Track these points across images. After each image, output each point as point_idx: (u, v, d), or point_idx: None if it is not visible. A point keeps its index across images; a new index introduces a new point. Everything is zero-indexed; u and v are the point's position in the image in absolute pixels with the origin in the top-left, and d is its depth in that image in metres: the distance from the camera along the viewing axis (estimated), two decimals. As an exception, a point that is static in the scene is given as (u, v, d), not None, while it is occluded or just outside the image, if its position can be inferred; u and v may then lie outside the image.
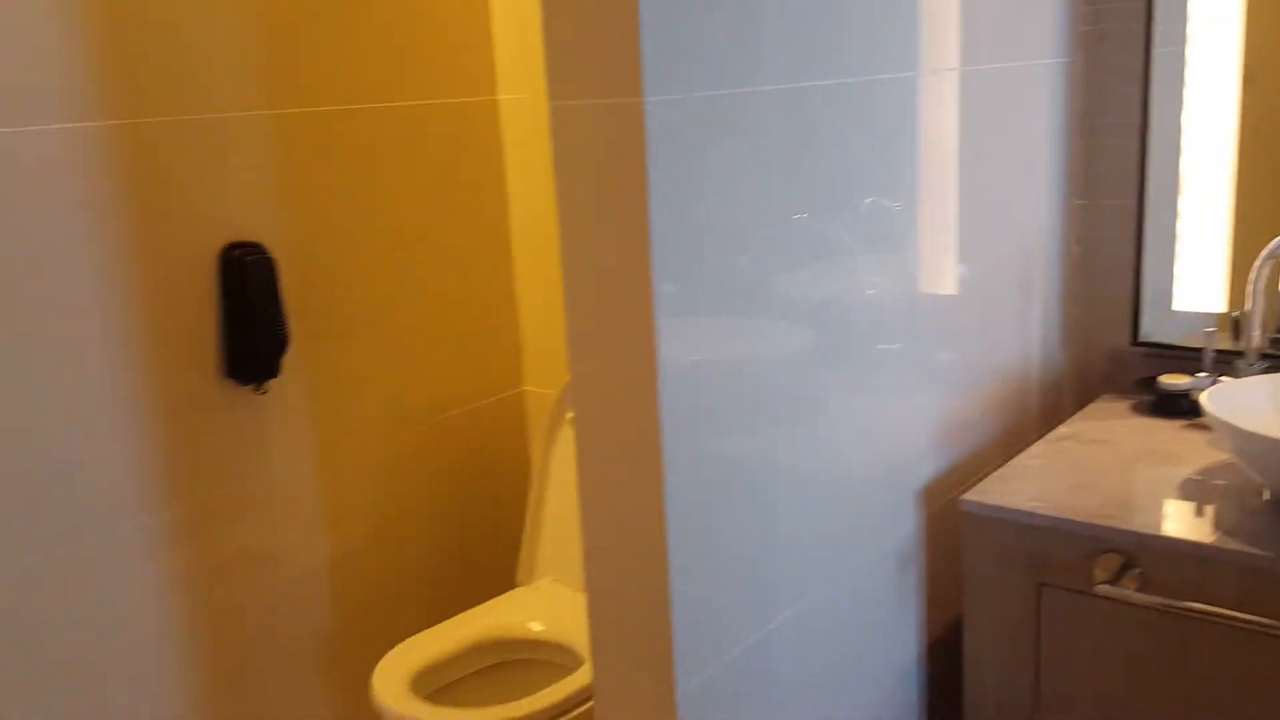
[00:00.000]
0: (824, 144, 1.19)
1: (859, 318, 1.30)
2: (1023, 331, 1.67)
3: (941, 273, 1.49)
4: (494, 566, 2.10)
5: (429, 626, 1.80)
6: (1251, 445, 1.25)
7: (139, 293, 1.55)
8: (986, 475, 1.44)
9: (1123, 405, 1.68)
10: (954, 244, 1.48)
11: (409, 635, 1.78)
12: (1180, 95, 1.63)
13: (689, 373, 1.04)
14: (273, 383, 1.71)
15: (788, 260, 1.17)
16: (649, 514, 1.05)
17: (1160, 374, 1.64)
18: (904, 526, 1.43)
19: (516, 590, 1.92)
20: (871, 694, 1.41)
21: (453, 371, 2.04)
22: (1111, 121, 1.69)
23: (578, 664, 1.68)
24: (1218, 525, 1.25)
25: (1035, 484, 1.40)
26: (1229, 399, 1.34)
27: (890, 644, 1.43)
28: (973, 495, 1.38)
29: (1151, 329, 1.71)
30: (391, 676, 1.64)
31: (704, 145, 1.04)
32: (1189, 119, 1.64)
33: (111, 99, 1.49)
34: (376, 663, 1.69)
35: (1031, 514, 1.32)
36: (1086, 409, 1.68)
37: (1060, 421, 1.64)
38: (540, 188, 2.05)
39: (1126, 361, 1.73)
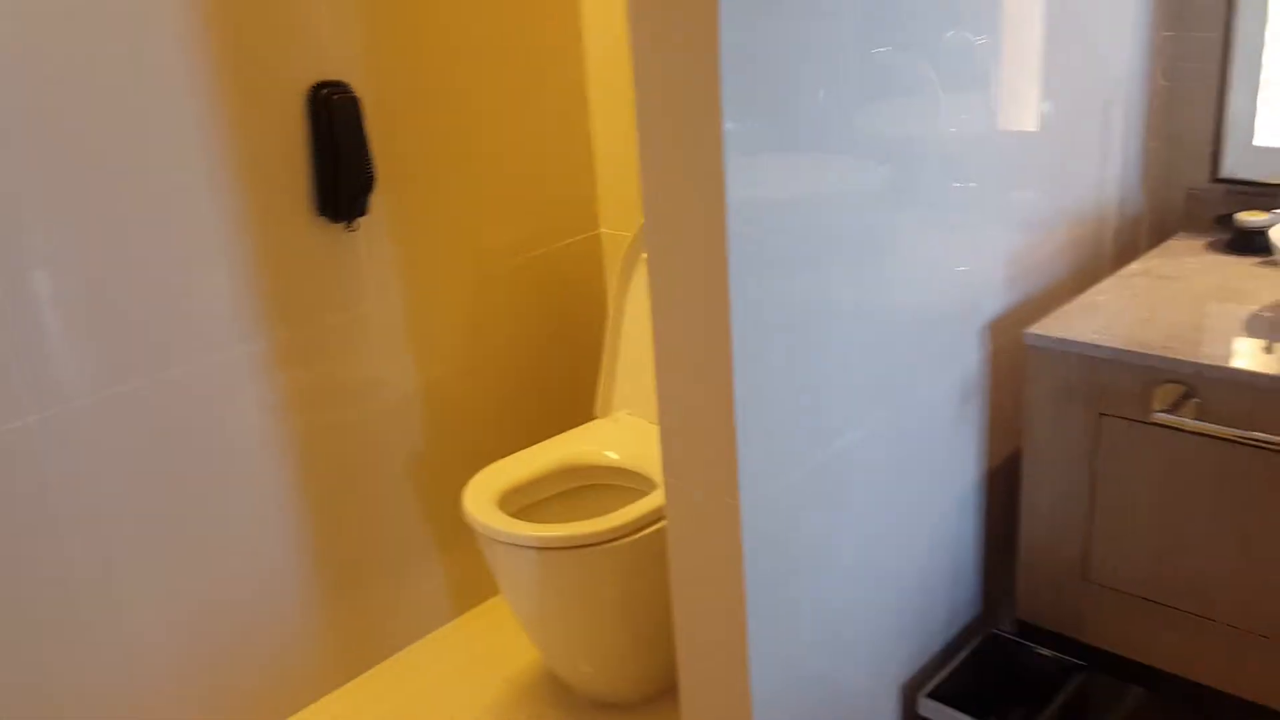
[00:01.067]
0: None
1: (935, 155, 1.31)
2: (1102, 169, 1.66)
3: (1022, 110, 1.48)
4: (572, 400, 2.21)
5: (512, 453, 1.91)
6: (1322, 278, 1.25)
7: (234, 130, 1.62)
8: (1054, 311, 1.47)
9: (1199, 243, 1.68)
10: (1036, 80, 1.46)
11: (493, 459, 1.90)
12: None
13: (759, 208, 1.08)
14: (362, 221, 1.79)
15: (866, 96, 1.18)
16: (716, 344, 1.11)
17: (1239, 211, 1.63)
18: (969, 359, 1.47)
19: (594, 422, 2.02)
20: (931, 519, 1.48)
21: (533, 214, 2.10)
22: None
23: (651, 489, 1.78)
24: (1278, 357, 1.27)
25: (1100, 318, 1.43)
26: (1304, 233, 1.33)
27: (951, 472, 1.50)
28: (1036, 329, 1.41)
29: (1233, 166, 1.68)
30: (480, 495, 1.76)
31: (778, -27, 1.05)
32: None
33: (199, -60, 1.53)
34: (463, 482, 1.82)
35: (1094, 345, 1.36)
36: (1161, 246, 1.68)
37: (1130, 259, 1.65)
38: (615, 36, 2.05)
39: (1205, 199, 1.72)
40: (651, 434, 1.93)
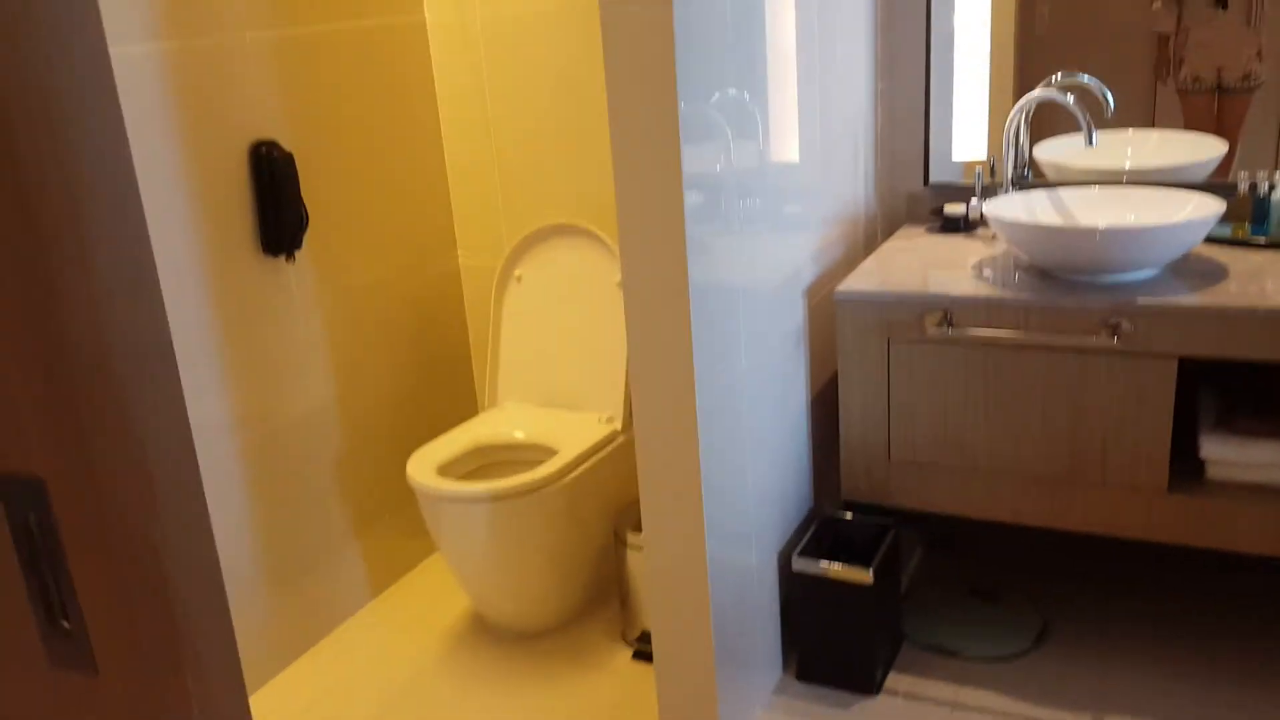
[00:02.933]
0: (704, 49, 1.75)
1: (729, 182, 1.87)
2: (852, 182, 2.33)
3: (786, 145, 2.09)
4: (454, 396, 2.62)
5: (411, 450, 2.29)
6: (1015, 231, 1.95)
7: (194, 181, 1.93)
8: (843, 277, 2.10)
9: (921, 229, 2.39)
10: (795, 123, 2.07)
11: (397, 455, 2.28)
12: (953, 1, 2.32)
13: (695, 228, 1.61)
14: (298, 254, 2.14)
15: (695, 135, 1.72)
16: (678, 311, 1.63)
17: (946, 205, 2.36)
18: (797, 314, 2.07)
19: (491, 410, 2.44)
20: (784, 430, 2.06)
21: (410, 245, 2.50)
22: (905, 20, 2.36)
23: (549, 458, 2.23)
24: (1000, 285, 1.95)
25: (877, 277, 2.07)
26: (999, 207, 2.04)
27: (791, 395, 2.08)
28: (842, 287, 2.03)
29: (938, 174, 2.41)
30: (422, 469, 2.14)
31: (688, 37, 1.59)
32: (958, 19, 2.32)
33: (159, 24, 1.85)
34: (374, 477, 2.19)
35: (881, 293, 1.99)
36: (897, 233, 2.38)
37: (879, 243, 2.33)
38: (468, 91, 2.51)
39: (921, 198, 2.44)
40: (541, 415, 2.38)
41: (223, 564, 2.06)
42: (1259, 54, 2.14)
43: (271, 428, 2.15)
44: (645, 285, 1.66)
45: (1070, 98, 2.10)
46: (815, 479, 2.24)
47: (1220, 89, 2.18)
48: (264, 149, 2.04)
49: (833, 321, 2.17)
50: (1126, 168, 2.26)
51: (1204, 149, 2.22)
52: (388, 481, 2.44)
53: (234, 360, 2.05)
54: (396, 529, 2.50)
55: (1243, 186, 2.08)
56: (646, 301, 1.67)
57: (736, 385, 1.83)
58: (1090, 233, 1.85)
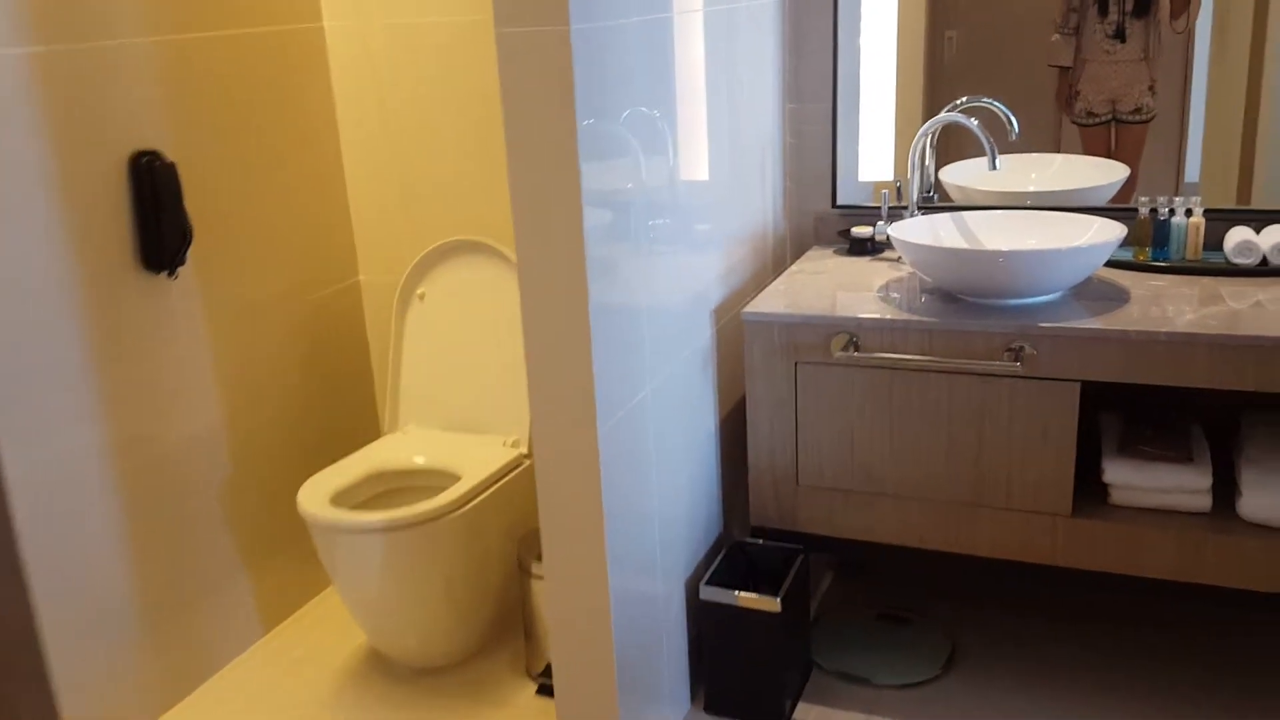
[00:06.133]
0: (616, 69, 1.69)
1: (640, 201, 1.81)
2: (760, 202, 2.31)
3: (696, 165, 2.06)
4: (352, 423, 2.51)
5: (305, 477, 2.19)
6: (919, 254, 1.94)
7: (66, 195, 1.81)
8: (751, 298, 2.06)
9: (827, 251, 2.37)
10: (704, 142, 2.03)
11: (290, 483, 2.17)
12: (858, 23, 2.31)
13: (600, 249, 1.56)
14: (182, 270, 2.02)
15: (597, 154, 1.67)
16: (578, 333, 1.57)
17: (853, 227, 2.34)
18: (704, 335, 2.02)
19: (392, 435, 2.35)
20: (692, 455, 2.01)
21: (308, 263, 2.39)
22: (813, 44, 2.35)
23: (450, 484, 2.15)
24: (905, 308, 1.94)
25: (785, 298, 2.04)
26: (904, 230, 2.03)
27: (699, 418, 2.04)
28: (749, 309, 2.00)
29: (845, 195, 2.40)
30: (315, 498, 2.04)
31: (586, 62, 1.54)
32: (865, 40, 2.32)
33: (30, 28, 1.74)
34: (265, 506, 2.09)
35: (789, 315, 1.96)
36: (805, 254, 2.36)
37: (788, 265, 2.30)
38: (368, 102, 2.42)
39: (829, 220, 2.43)
40: (444, 438, 2.30)
41: (96, 602, 1.93)
42: (1151, 87, 2.18)
43: (152, 454, 2.03)
44: (544, 306, 1.60)
45: (975, 122, 2.10)
46: (725, 504, 2.19)
47: (1116, 120, 2.22)
48: (145, 160, 1.93)
49: (741, 343, 2.13)
50: (1030, 191, 2.28)
51: (1106, 173, 2.25)
52: (280, 510, 2.33)
53: (111, 382, 1.93)
54: (289, 561, 2.38)
55: (1144, 211, 2.10)
56: (545, 323, 1.61)
57: (641, 408, 1.77)
58: (992, 256, 1.85)
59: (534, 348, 1.62)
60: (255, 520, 2.26)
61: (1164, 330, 1.73)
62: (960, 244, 2.10)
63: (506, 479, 2.14)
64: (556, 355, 1.61)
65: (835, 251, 2.36)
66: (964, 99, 2.27)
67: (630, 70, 1.67)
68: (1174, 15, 2.13)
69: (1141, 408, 2.03)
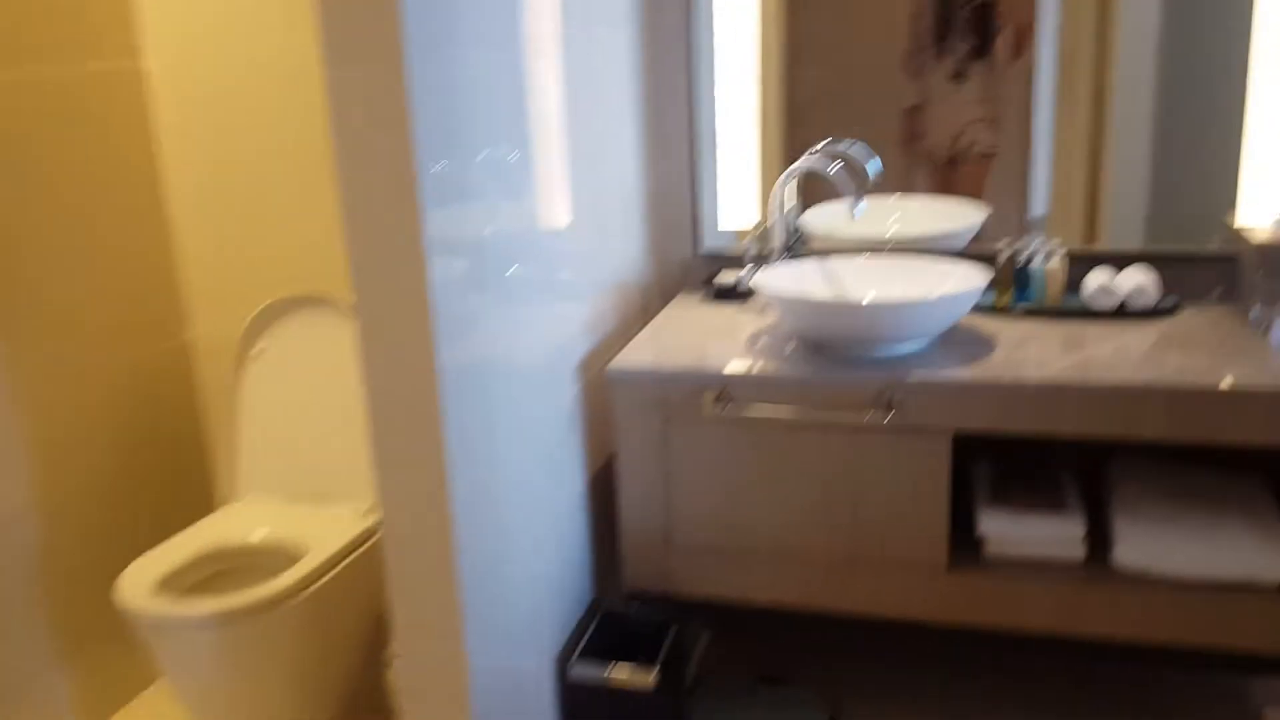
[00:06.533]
0: (466, 108, 1.53)
1: (500, 247, 1.68)
2: (623, 251, 2.22)
3: (556, 210, 1.96)
4: (186, 491, 2.29)
5: (131, 557, 1.97)
6: (784, 304, 1.88)
7: None
8: (618, 351, 1.97)
9: (694, 299, 2.30)
10: (565, 187, 1.94)
11: (116, 564, 1.95)
12: (715, 62, 2.26)
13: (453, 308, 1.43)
14: (-23, 337, 1.80)
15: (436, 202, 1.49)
16: (426, 395, 1.44)
17: (717, 274, 2.28)
18: (569, 391, 1.91)
19: (230, 506, 2.14)
20: (560, 512, 1.89)
21: (123, 321, 2.18)
22: (671, 85, 2.28)
23: (296, 561, 1.97)
24: (774, 360, 1.87)
25: (652, 351, 1.95)
26: (769, 280, 1.97)
27: (565, 477, 1.92)
28: (616, 363, 1.90)
29: (710, 241, 2.34)
30: (137, 586, 1.83)
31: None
32: (724, 82, 2.27)
33: None
34: (86, 593, 1.87)
35: (656, 370, 1.87)
36: (672, 302, 2.28)
37: (655, 314, 2.22)
38: (197, 146, 2.23)
39: (694, 267, 2.36)
40: (288, 510, 2.11)
41: None
42: (992, 126, 2.19)
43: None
44: (387, 367, 1.46)
45: (835, 168, 2.07)
46: (596, 569, 2.08)
47: (959, 159, 2.23)
48: (-69, 214, 1.71)
49: (609, 398, 2.02)
50: (891, 235, 2.26)
51: (964, 216, 2.25)
52: (102, 595, 2.09)
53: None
54: (115, 651, 2.14)
55: (1004, 256, 2.10)
56: (389, 385, 1.47)
57: (501, 472, 1.64)
58: (856, 307, 1.80)
59: (378, 413, 1.48)
60: (72, 608, 2.02)
61: (1033, 379, 1.71)
62: (826, 293, 2.05)
63: (359, 552, 1.97)
64: (402, 420, 1.47)
65: (702, 299, 2.29)
66: (824, 142, 2.24)
67: (483, 110, 1.56)
68: (1013, 56, 2.15)
69: (1012, 456, 2.02)
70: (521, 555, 1.74)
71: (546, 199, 1.83)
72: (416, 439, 1.47)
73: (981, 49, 2.15)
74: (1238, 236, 2.02)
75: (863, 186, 2.09)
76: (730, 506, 1.90)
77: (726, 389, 1.84)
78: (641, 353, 1.95)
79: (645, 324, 2.15)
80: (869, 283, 2.05)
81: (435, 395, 1.45)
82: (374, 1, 1.31)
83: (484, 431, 1.59)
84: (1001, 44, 2.15)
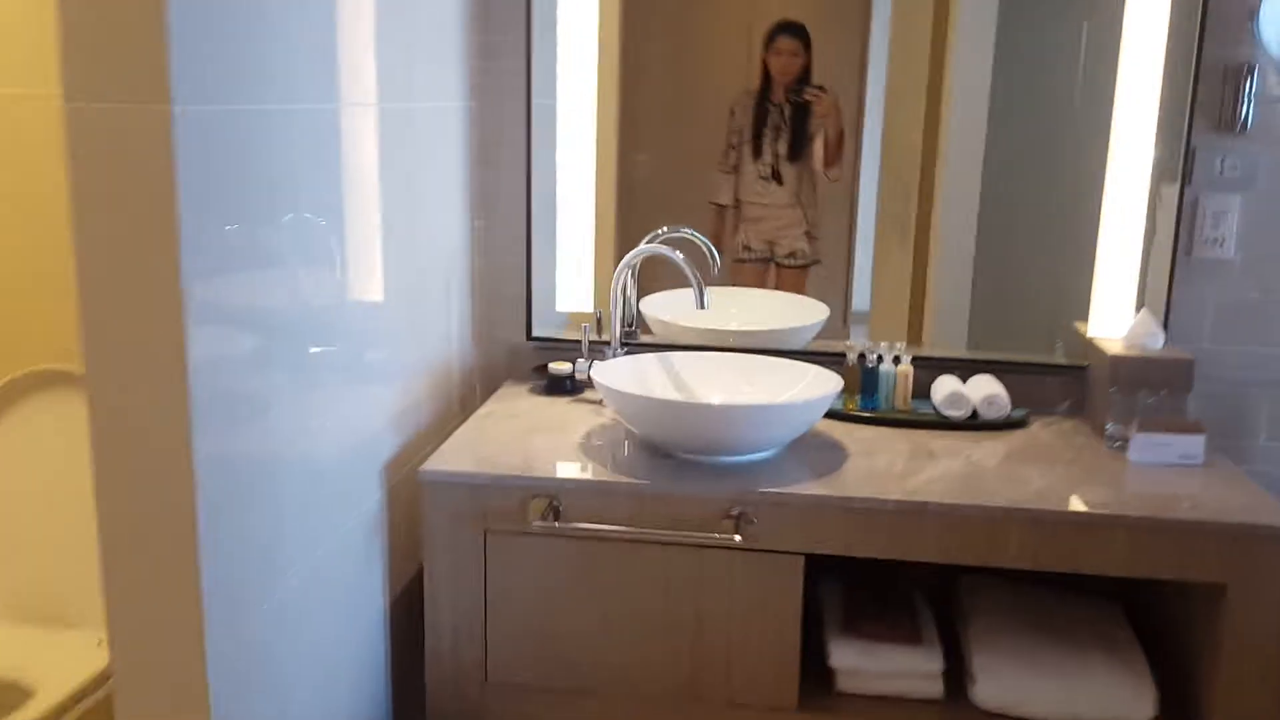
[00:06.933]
0: (258, 164, 1.27)
1: (297, 323, 1.41)
2: (445, 330, 1.98)
3: (369, 282, 1.72)
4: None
5: None
6: (624, 403, 1.68)
7: None
8: (433, 450, 1.72)
9: (524, 389, 2.07)
10: (379, 257, 1.70)
11: None
12: (554, 135, 2.07)
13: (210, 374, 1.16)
14: None
15: (227, 269, 1.23)
16: (178, 502, 1.15)
17: (549, 362, 2.07)
18: (373, 497, 1.64)
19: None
20: (353, 641, 1.60)
21: None
22: (504, 157, 2.08)
23: (26, 699, 1.60)
24: (611, 465, 1.66)
25: (473, 452, 1.71)
26: (608, 374, 1.77)
27: (362, 598, 1.64)
28: (428, 466, 1.64)
29: (541, 327, 2.13)
30: None
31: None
32: (562, 156, 2.08)
33: None
34: None
35: (476, 474, 1.63)
36: (497, 393, 2.05)
37: (477, 405, 1.98)
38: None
39: (523, 353, 2.13)
40: (13, 636, 1.74)
41: None
42: (808, 233, 2.09)
43: None
44: (123, 459, 1.16)
45: (681, 256, 1.90)
46: (396, 706, 1.79)
47: (775, 262, 2.12)
48: None
49: (419, 505, 1.76)
50: (734, 328, 2.11)
51: (808, 312, 2.13)
52: None
53: None
54: None
55: (852, 357, 1.98)
56: (126, 482, 1.17)
57: (279, 597, 1.36)
58: (705, 409, 1.62)
59: (109, 521, 1.18)
60: None
61: (892, 499, 1.56)
62: (670, 393, 1.87)
63: (99, 693, 1.62)
64: (143, 530, 1.17)
65: (531, 389, 2.07)
66: (665, 229, 2.08)
67: (281, 167, 1.31)
68: (828, 164, 2.06)
69: (862, 571, 1.86)
70: (302, 703, 1.44)
71: (358, 270, 1.59)
72: (162, 556, 1.18)
73: (796, 152, 2.07)
74: (1088, 348, 1.96)
75: (707, 276, 1.93)
76: (557, 635, 1.66)
77: (556, 498, 1.61)
78: (459, 453, 1.71)
79: (466, 417, 1.90)
80: (716, 382, 1.88)
81: (190, 499, 1.16)
82: (134, 21, 1.05)
83: (259, 546, 1.30)
84: (817, 148, 2.06)
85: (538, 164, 2.07)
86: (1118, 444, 1.80)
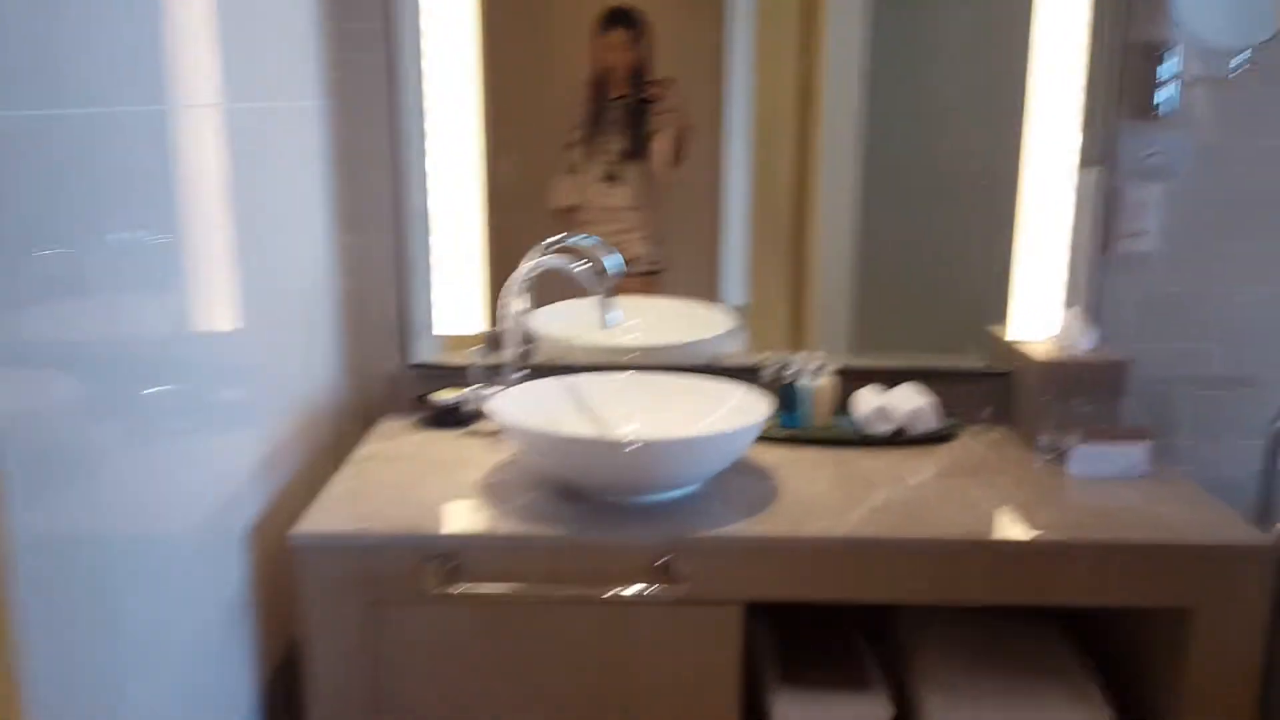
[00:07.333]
0: (63, 176, 1.01)
1: (128, 359, 1.15)
2: (309, 362, 1.73)
3: (218, 310, 1.46)
4: None
5: None
6: (529, 440, 1.48)
7: None
8: (306, 506, 1.47)
9: (406, 423, 1.83)
10: (229, 280, 1.45)
11: None
12: (424, 141, 1.83)
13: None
14: None
15: (32, 301, 0.97)
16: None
17: (434, 391, 1.83)
18: (234, 574, 1.38)
19: None
20: (217, 753, 1.35)
21: None
22: (370, 162, 1.83)
23: None
24: (518, 513, 1.45)
25: (355, 506, 1.47)
26: (506, 405, 1.56)
27: (227, 684, 1.38)
28: (301, 527, 1.40)
29: (420, 352, 1.89)
30: None
31: None
32: (435, 163, 1.84)
33: None
34: None
35: (359, 535, 1.39)
36: (375, 430, 1.80)
37: (354, 445, 1.73)
38: None
39: (402, 382, 1.89)
40: None
41: None
42: (651, 236, 1.93)
43: None
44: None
45: (583, 267, 1.70)
46: (272, 802, 1.53)
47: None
48: None
49: (292, 574, 1.50)
50: (635, 343, 1.92)
51: (714, 323, 1.96)
52: None
53: None
54: None
55: (769, 371, 1.81)
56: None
57: (121, 696, 1.10)
58: (620, 445, 1.43)
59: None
60: None
61: (838, 535, 1.40)
62: (582, 426, 1.67)
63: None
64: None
65: (415, 423, 1.83)
66: (557, 236, 1.88)
67: (102, 181, 1.05)
68: (674, 163, 1.90)
69: (796, 616, 1.70)
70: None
71: (203, 294, 1.33)
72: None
73: (634, 151, 1.90)
74: (1011, 351, 1.85)
75: (610, 288, 1.73)
76: (465, 715, 1.44)
77: (456, 557, 1.39)
78: (338, 509, 1.46)
79: (341, 462, 1.66)
80: (629, 409, 1.69)
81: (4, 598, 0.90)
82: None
83: (93, 638, 1.04)
84: (660, 147, 1.89)
85: (408, 170, 1.83)
86: (1052, 455, 1.69)
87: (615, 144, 1.90)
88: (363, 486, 1.54)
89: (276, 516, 1.50)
